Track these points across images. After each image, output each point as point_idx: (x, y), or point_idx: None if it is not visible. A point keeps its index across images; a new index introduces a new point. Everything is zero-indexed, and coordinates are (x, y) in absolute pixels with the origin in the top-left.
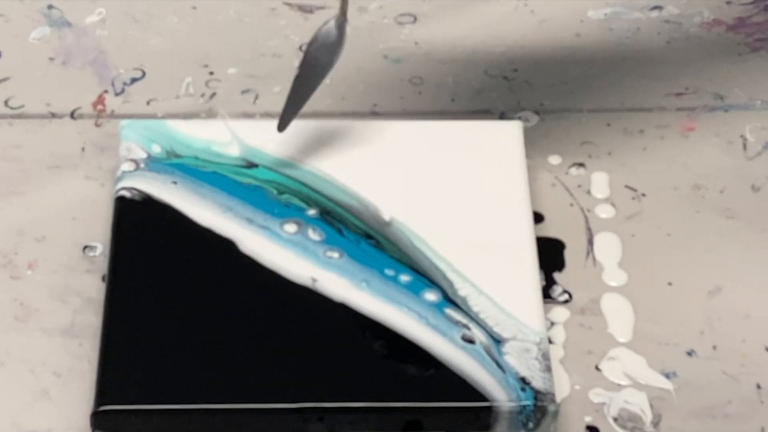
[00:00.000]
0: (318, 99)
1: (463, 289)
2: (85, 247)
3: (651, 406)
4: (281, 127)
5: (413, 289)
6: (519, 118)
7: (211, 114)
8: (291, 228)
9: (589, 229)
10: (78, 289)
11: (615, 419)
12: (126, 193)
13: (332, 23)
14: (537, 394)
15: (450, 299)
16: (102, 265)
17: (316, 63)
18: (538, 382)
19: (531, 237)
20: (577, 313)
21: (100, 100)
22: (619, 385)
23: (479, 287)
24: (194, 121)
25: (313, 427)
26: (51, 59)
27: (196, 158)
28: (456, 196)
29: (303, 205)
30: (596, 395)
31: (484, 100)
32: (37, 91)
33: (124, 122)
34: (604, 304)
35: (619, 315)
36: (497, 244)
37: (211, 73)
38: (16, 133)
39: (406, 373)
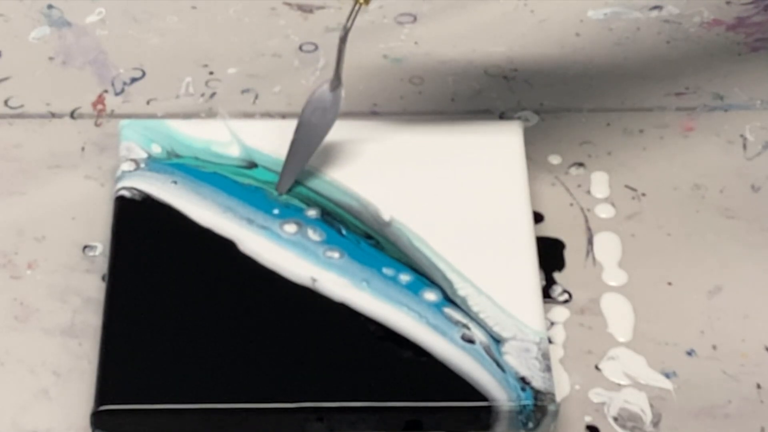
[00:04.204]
0: None
1: (463, 289)
2: (85, 247)
3: (651, 405)
4: (281, 189)
5: (413, 289)
6: (519, 118)
7: (211, 114)
8: (291, 228)
9: (589, 229)
10: (78, 289)
11: (615, 419)
12: (126, 193)
13: (325, 87)
14: (537, 394)
15: (450, 299)
16: (102, 265)
17: (312, 126)
18: (538, 382)
19: (531, 237)
20: (577, 312)
21: (100, 99)
22: (619, 384)
23: (479, 287)
24: (194, 121)
25: (313, 427)
26: (51, 59)
27: (196, 158)
28: (456, 196)
29: (303, 205)
30: (596, 395)
31: (484, 100)
32: (37, 91)
33: (124, 122)
34: (604, 303)
35: (619, 315)
36: (497, 244)
37: (211, 73)
38: (16, 133)
39: (406, 373)
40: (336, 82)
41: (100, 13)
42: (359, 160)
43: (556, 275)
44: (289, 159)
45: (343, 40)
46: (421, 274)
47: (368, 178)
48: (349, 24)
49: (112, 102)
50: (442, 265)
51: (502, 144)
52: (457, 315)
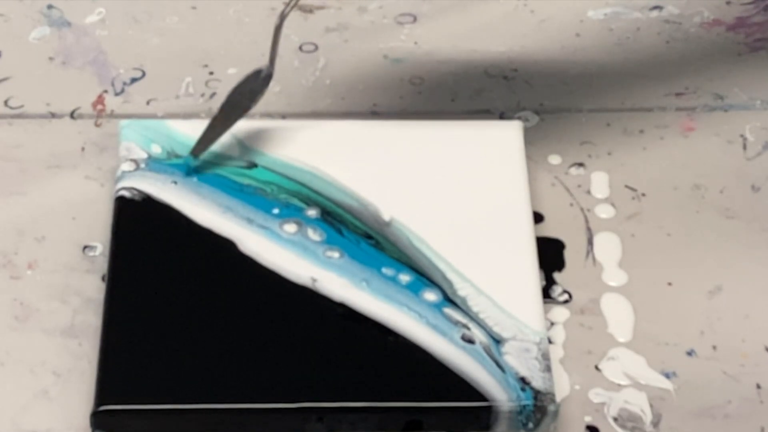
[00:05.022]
0: (318, 99)
1: (462, 289)
2: (85, 247)
3: (651, 406)
4: (195, 152)
5: (413, 289)
6: (519, 118)
7: (211, 114)
8: (291, 228)
9: (589, 229)
10: (78, 289)
11: (615, 419)
12: (126, 193)
13: (261, 69)
14: (537, 394)
15: (450, 299)
16: (102, 265)
17: (237, 103)
18: (538, 382)
19: (531, 237)
20: (577, 313)
21: (100, 100)
22: (619, 385)
23: (479, 287)
24: (194, 121)
25: (313, 427)
26: (51, 59)
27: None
28: (456, 196)
29: (303, 205)
30: (596, 395)
31: (484, 100)
32: (37, 91)
33: (124, 122)
34: (604, 304)
35: (619, 315)
36: (497, 244)
37: (211, 73)
38: (16, 133)
39: (406, 373)
40: (270, 67)
41: (100, 13)
42: (359, 160)
43: (556, 275)
44: (209, 127)
45: (278, 27)
46: (421, 274)
47: (368, 178)
48: (286, 11)
49: (112, 102)
50: (442, 265)
51: (502, 144)
52: (457, 315)
